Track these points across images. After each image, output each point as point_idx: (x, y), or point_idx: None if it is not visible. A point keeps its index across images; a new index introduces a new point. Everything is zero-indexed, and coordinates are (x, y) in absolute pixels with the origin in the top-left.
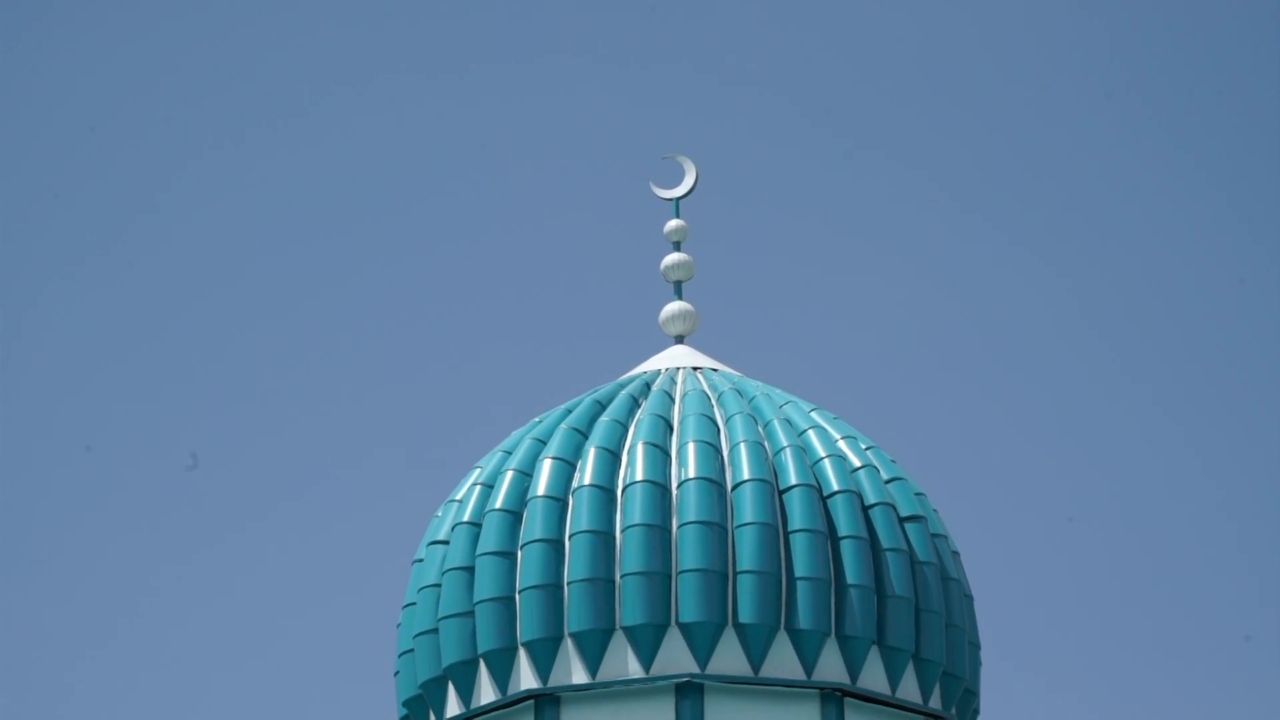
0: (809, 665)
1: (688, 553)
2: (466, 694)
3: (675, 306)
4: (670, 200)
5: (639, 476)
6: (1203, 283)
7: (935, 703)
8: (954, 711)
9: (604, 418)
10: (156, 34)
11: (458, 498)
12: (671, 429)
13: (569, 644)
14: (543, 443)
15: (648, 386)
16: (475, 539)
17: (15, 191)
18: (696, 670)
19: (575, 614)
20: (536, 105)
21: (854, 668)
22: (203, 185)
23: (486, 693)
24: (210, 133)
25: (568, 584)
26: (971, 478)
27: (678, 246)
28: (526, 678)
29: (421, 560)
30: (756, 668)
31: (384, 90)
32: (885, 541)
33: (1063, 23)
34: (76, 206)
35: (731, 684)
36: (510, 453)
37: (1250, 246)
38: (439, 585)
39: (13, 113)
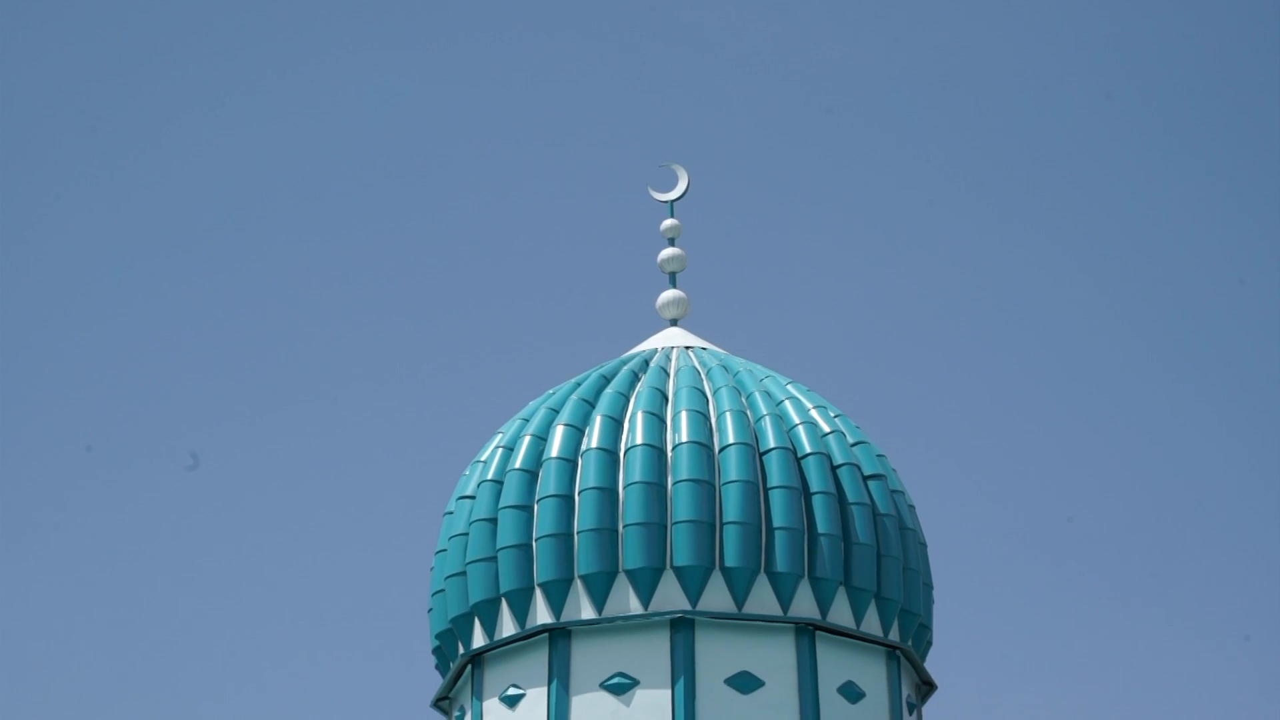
0: (785, 603)
1: (681, 506)
2: (490, 628)
3: (670, 294)
4: (666, 202)
5: (639, 440)
6: (1175, 264)
7: (894, 635)
8: (910, 643)
9: (608, 390)
10: (154, 29)
11: (482, 459)
12: (667, 399)
13: (578, 585)
14: (556, 411)
15: (646, 363)
16: (498, 494)
17: (15, 191)
18: (688, 608)
19: (584, 559)
20: (551, 121)
21: (824, 605)
22: (204, 179)
23: (507, 626)
24: (210, 132)
25: (577, 533)
26: (927, 441)
27: (672, 242)
28: (542, 614)
29: (451, 513)
30: (740, 605)
31: (398, 94)
32: (851, 496)
33: (1048, 22)
34: (76, 206)
35: (718, 619)
36: (528, 420)
37: (1248, 244)
38: (466, 534)
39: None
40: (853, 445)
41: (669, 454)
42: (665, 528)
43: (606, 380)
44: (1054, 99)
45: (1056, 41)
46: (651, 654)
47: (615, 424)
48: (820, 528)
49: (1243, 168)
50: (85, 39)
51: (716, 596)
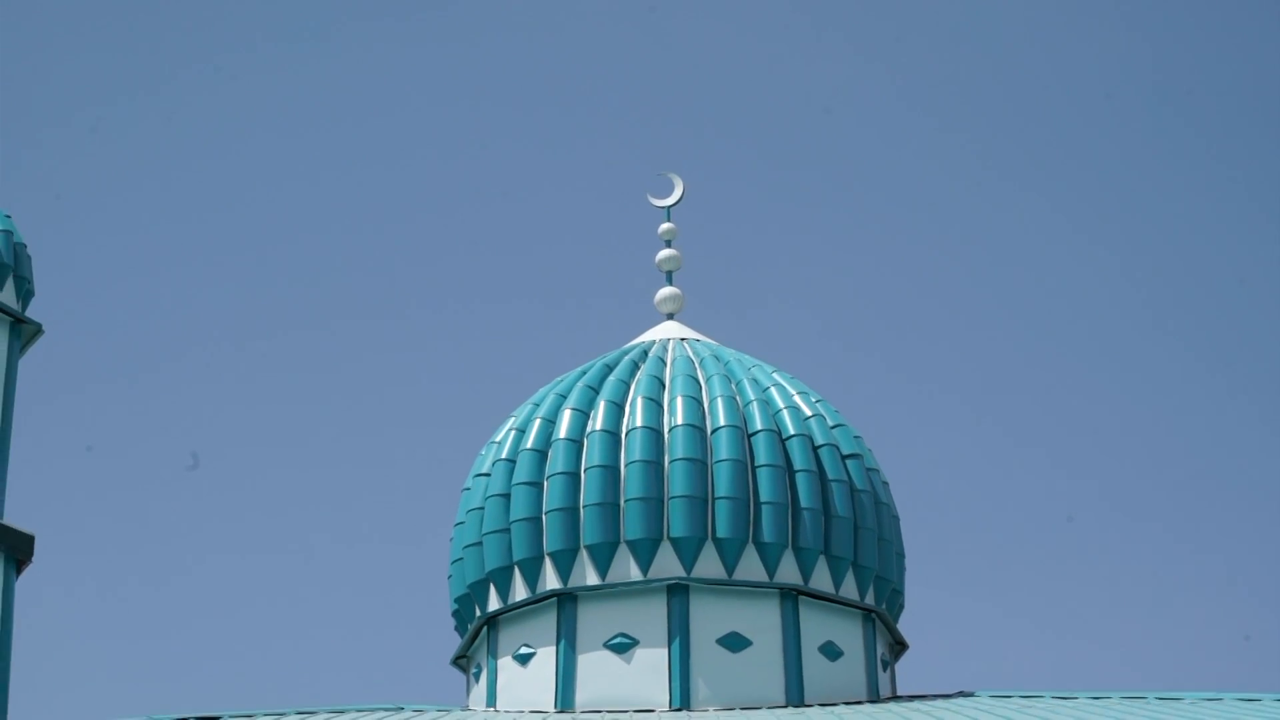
0: (771, 570)
1: (677, 482)
2: (504, 593)
3: (667, 291)
4: (663, 208)
5: (638, 423)
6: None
7: (869, 600)
8: (884, 606)
9: (611, 377)
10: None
11: (497, 440)
12: (664, 386)
13: (584, 554)
14: (564, 397)
15: (645, 353)
16: (511, 472)
17: (15, 191)
18: (683, 575)
19: (589, 530)
20: (559, 135)
21: (806, 573)
22: (206, 179)
23: (520, 591)
24: (213, 131)
25: (583, 507)
26: (900, 423)
27: (669, 244)
28: (551, 580)
29: (469, 489)
30: (730, 572)
31: (413, 99)
32: (831, 474)
33: (1038, 24)
34: (76, 205)
35: (710, 585)
36: (538, 405)
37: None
38: (483, 508)
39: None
40: (832, 427)
41: (666, 435)
42: (662, 502)
43: (609, 369)
44: (1042, 100)
45: (1047, 44)
46: (650, 616)
47: (617, 408)
48: (803, 502)
49: (1227, 166)
50: (83, 38)
51: (709, 564)
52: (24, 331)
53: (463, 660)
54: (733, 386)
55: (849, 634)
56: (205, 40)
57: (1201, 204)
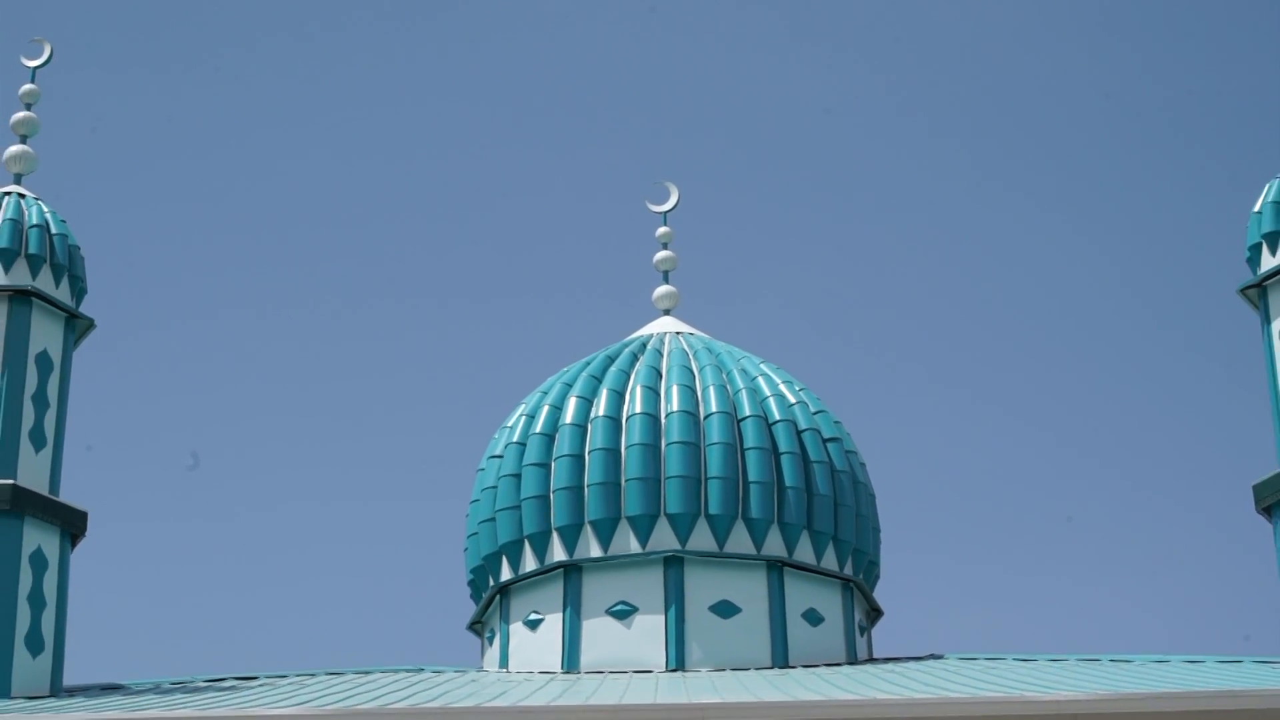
0: (758, 544)
1: (673, 464)
2: (515, 564)
3: (663, 289)
4: (660, 213)
5: (638, 409)
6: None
7: (848, 570)
8: (861, 576)
9: (612, 368)
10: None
11: (509, 425)
12: (661, 376)
13: (588, 529)
14: (569, 386)
15: (644, 346)
16: (521, 454)
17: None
18: (679, 548)
19: (593, 507)
20: (567, 149)
21: (790, 546)
22: (210, 179)
23: (529, 563)
24: (216, 131)
25: (587, 486)
26: (876, 409)
27: (665, 246)
28: (558, 552)
29: (483, 469)
30: (721, 546)
31: (427, 106)
32: (813, 456)
33: (1025, 28)
34: (77, 206)
35: (703, 557)
36: (546, 393)
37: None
38: (496, 487)
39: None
40: (814, 413)
41: (662, 421)
42: (659, 482)
43: (611, 360)
44: (1022, 98)
45: (1037, 46)
46: (648, 586)
47: (618, 396)
48: (787, 481)
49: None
50: (81, 37)
51: (702, 538)
52: (78, 326)
53: (478, 626)
54: (723, 376)
55: (829, 602)
56: (209, 38)
57: (1174, 198)
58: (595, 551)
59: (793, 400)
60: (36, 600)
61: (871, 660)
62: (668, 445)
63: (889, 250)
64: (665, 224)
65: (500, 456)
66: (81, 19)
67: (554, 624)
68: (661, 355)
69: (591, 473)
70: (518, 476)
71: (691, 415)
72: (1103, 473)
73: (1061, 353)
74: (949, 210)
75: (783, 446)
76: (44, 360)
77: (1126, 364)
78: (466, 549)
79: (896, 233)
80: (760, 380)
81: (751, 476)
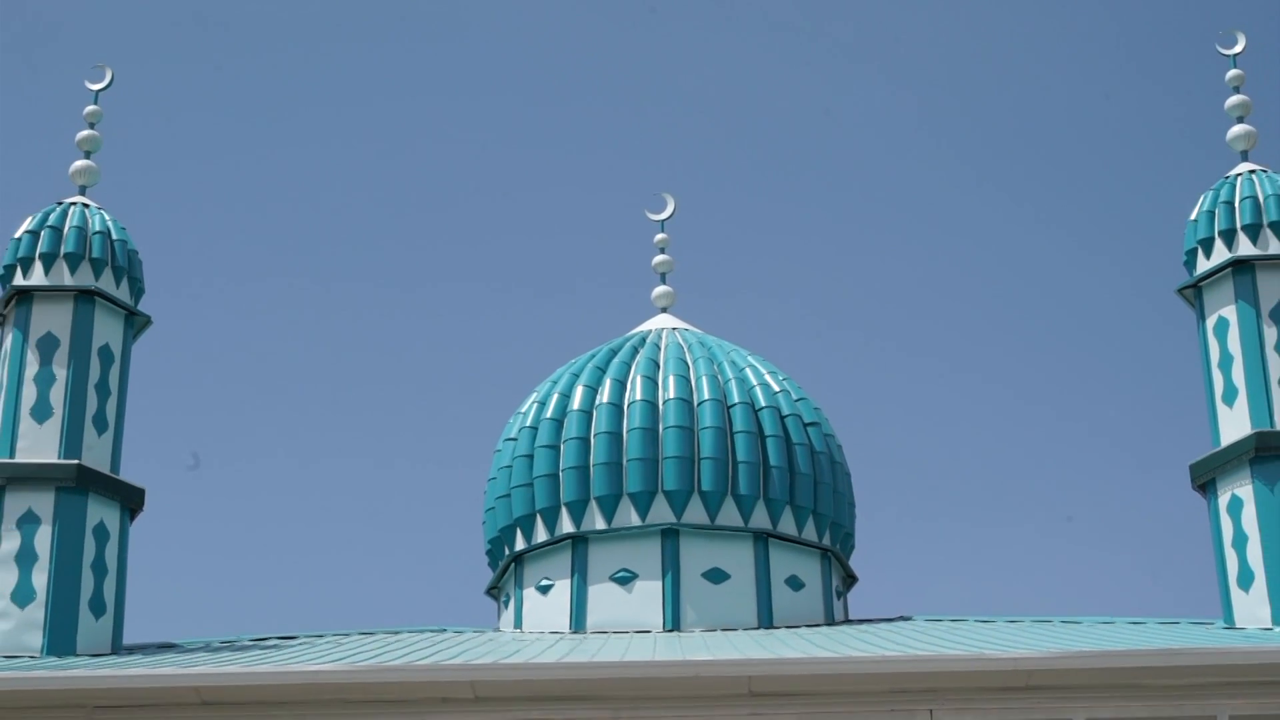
0: (746, 517)
1: (669, 445)
2: (528, 535)
3: (661, 289)
4: (658, 221)
5: (638, 397)
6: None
7: (826, 541)
8: (838, 546)
9: (615, 360)
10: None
11: (522, 410)
12: (659, 367)
13: (594, 504)
14: (576, 376)
15: (643, 340)
16: (534, 437)
17: (17, 190)
18: (674, 521)
19: (598, 484)
20: (574, 161)
21: (774, 519)
22: (214, 177)
23: (541, 535)
24: (220, 131)
25: (593, 465)
26: (852, 396)
27: (662, 250)
28: (567, 525)
29: (500, 450)
30: (712, 519)
31: (442, 112)
32: (795, 438)
33: (1014, 32)
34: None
35: (696, 529)
36: (556, 382)
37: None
38: (511, 466)
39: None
40: (796, 400)
41: (660, 407)
42: (657, 462)
43: (614, 353)
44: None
45: (1028, 50)
46: (647, 555)
47: (620, 385)
48: (772, 461)
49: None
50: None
51: (695, 512)
52: (136, 322)
53: (494, 591)
54: (715, 367)
55: (809, 569)
56: (209, 33)
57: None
58: (600, 524)
59: (777, 389)
60: (99, 568)
61: (847, 621)
62: (665, 429)
63: (867, 251)
64: (663, 231)
65: (515, 439)
66: (133, 48)
67: (563, 589)
68: (659, 348)
69: (596, 453)
70: (530, 457)
71: (686, 402)
72: (1057, 454)
73: (1022, 343)
74: (927, 212)
75: (768, 430)
76: (106, 353)
77: (1082, 355)
78: (484, 522)
79: (876, 234)
80: (748, 371)
81: (740, 457)
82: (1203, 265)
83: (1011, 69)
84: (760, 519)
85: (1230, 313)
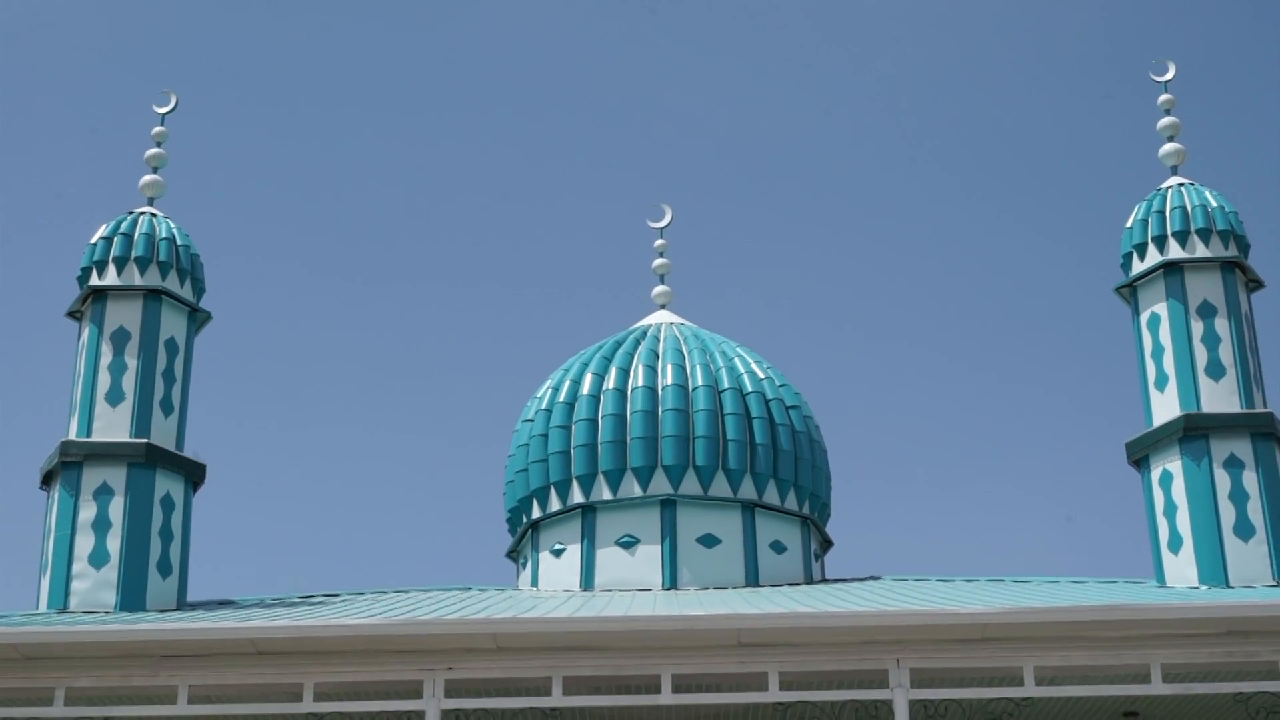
0: (735, 489)
1: (667, 425)
2: (544, 505)
3: (660, 288)
4: (658, 229)
5: (639, 383)
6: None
7: (805, 510)
8: (816, 515)
9: (619, 351)
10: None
11: (538, 395)
12: (658, 357)
13: (601, 477)
14: (585, 365)
15: (644, 333)
16: (548, 419)
17: (17, 190)
18: (672, 492)
19: (604, 460)
20: (580, 173)
21: (760, 491)
22: (218, 178)
23: (555, 504)
24: (223, 130)
25: (600, 443)
26: (829, 382)
27: (661, 254)
28: (577, 496)
29: (519, 430)
30: (705, 490)
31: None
32: (778, 420)
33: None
34: (78, 205)
35: (691, 499)
36: (567, 370)
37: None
38: (528, 445)
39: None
40: (779, 386)
41: (659, 392)
42: (657, 440)
43: (618, 345)
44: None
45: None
46: (648, 522)
47: (624, 372)
48: (757, 440)
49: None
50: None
51: (690, 485)
52: (198, 318)
53: (514, 554)
54: (708, 357)
55: (791, 535)
56: (211, 30)
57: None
58: (606, 495)
59: (762, 376)
60: (166, 534)
61: (824, 581)
62: (663, 411)
63: (845, 256)
64: (661, 237)
65: (531, 421)
66: (192, 76)
67: (574, 552)
68: (659, 341)
69: (603, 433)
70: (545, 436)
71: (682, 388)
72: (1010, 434)
73: (979, 339)
74: (896, 220)
75: (754, 412)
76: (171, 345)
77: (1031, 347)
78: (505, 493)
79: (852, 241)
80: (737, 360)
81: (729, 436)
82: (1137, 267)
83: (979, 92)
84: (747, 490)
85: (1162, 309)
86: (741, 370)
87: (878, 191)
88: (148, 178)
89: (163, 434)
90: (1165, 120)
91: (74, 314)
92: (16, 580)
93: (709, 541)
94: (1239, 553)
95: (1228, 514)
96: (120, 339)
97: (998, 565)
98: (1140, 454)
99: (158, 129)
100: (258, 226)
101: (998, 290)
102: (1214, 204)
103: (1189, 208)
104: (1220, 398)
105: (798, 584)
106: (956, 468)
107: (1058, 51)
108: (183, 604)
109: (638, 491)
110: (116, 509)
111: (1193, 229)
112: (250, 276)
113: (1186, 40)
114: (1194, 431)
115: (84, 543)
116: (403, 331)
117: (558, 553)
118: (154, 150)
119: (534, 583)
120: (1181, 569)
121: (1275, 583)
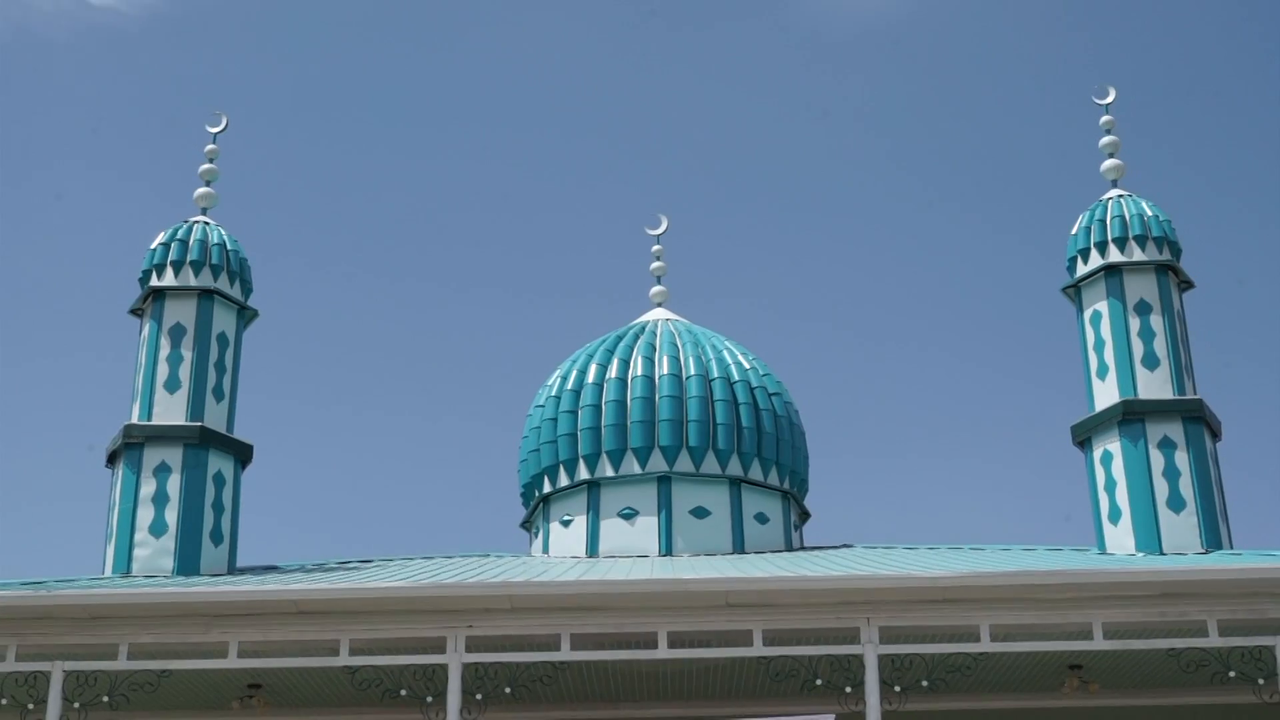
0: (723, 466)
1: (663, 411)
2: (554, 481)
3: (657, 288)
4: (655, 235)
5: (639, 373)
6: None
7: (786, 485)
8: (795, 490)
9: (621, 344)
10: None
11: (548, 384)
12: (655, 349)
13: (604, 457)
14: (590, 356)
15: (643, 329)
16: (558, 404)
17: (19, 190)
18: (667, 470)
19: (607, 441)
20: (593, 193)
21: (746, 468)
22: (223, 178)
23: (563, 480)
24: (228, 130)
25: (604, 426)
26: (808, 371)
27: (658, 258)
28: (583, 473)
29: (531, 415)
30: (697, 468)
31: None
32: (762, 405)
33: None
34: (79, 205)
35: (685, 476)
36: (574, 361)
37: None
38: (540, 427)
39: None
40: (763, 375)
41: (656, 381)
42: (654, 424)
43: (619, 339)
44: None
45: (1017, 52)
46: (646, 496)
47: (625, 363)
48: (744, 423)
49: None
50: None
51: (684, 463)
52: (246, 315)
53: (527, 524)
54: (700, 350)
55: (773, 508)
56: (214, 32)
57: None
58: (609, 472)
59: (748, 366)
60: (218, 507)
61: (803, 548)
62: (660, 398)
63: (824, 258)
64: (659, 243)
65: (542, 406)
66: (241, 95)
67: (580, 523)
68: (656, 335)
69: (607, 417)
70: (555, 420)
71: (677, 377)
72: (968, 417)
73: (942, 334)
74: (872, 227)
75: (740, 399)
76: (222, 339)
77: (984, 342)
78: (519, 470)
79: (829, 245)
80: (725, 353)
81: (719, 420)
82: (1081, 269)
83: (948, 112)
84: (734, 468)
85: (1103, 307)
86: (730, 361)
87: (852, 201)
88: (201, 190)
89: (215, 418)
90: (1106, 139)
91: (136, 311)
92: (86, 548)
93: (700, 513)
94: (1171, 524)
95: (1161, 489)
96: (177, 334)
97: (957, 534)
98: (1084, 435)
99: (210, 147)
100: (299, 232)
101: (959, 289)
102: (1149, 213)
103: (1127, 216)
104: (1155, 386)
105: (779, 551)
106: (922, 447)
107: (1015, 78)
108: (233, 569)
109: (637, 469)
110: (174, 485)
111: (1130, 235)
112: (293, 277)
113: (1126, 67)
114: (1131, 416)
115: (145, 515)
116: (428, 326)
117: (566, 523)
118: (206, 165)
119: (545, 550)
120: (1120, 538)
121: (1204, 550)
